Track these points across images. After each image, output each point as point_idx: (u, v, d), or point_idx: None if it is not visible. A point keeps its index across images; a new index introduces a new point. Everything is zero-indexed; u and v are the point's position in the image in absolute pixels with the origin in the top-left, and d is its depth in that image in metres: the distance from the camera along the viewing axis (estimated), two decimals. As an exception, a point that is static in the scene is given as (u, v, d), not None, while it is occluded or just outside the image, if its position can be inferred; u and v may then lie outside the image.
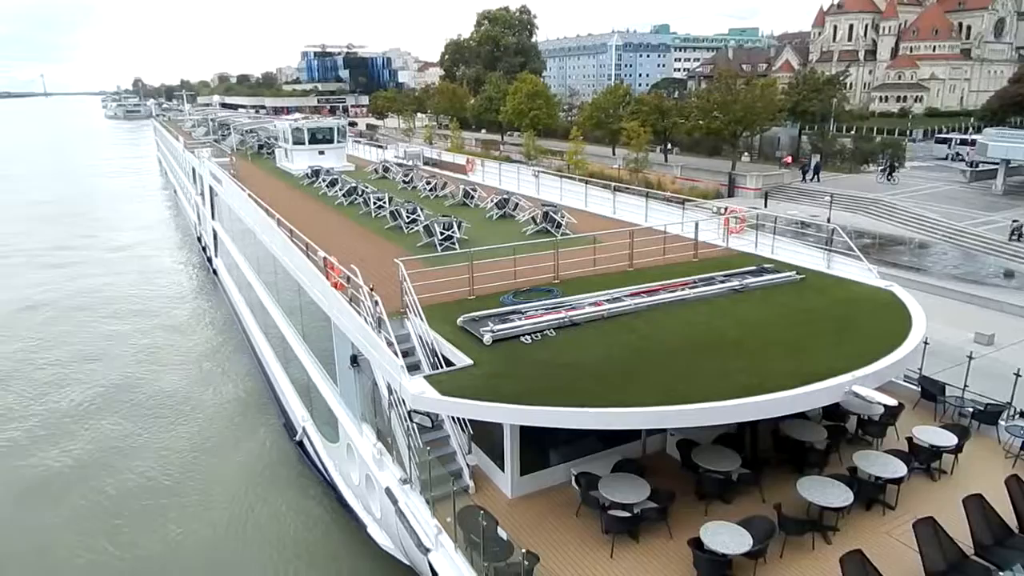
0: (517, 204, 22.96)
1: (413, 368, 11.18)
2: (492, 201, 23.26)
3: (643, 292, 13.72)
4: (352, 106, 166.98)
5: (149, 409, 21.43)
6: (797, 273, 15.10)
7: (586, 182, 25.86)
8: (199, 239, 40.74)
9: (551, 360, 10.87)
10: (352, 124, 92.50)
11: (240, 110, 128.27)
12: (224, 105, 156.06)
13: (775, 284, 14.65)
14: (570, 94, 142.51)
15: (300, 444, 17.82)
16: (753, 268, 15.50)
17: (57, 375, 24.11)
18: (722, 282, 14.38)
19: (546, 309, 12.79)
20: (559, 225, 19.64)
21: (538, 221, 20.18)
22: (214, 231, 33.30)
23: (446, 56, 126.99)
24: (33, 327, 29.15)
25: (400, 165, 34.61)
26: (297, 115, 44.43)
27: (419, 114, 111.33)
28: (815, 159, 55.19)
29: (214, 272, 34.50)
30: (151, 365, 24.83)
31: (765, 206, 43.94)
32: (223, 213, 30.49)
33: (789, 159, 57.13)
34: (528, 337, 11.60)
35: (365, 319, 11.87)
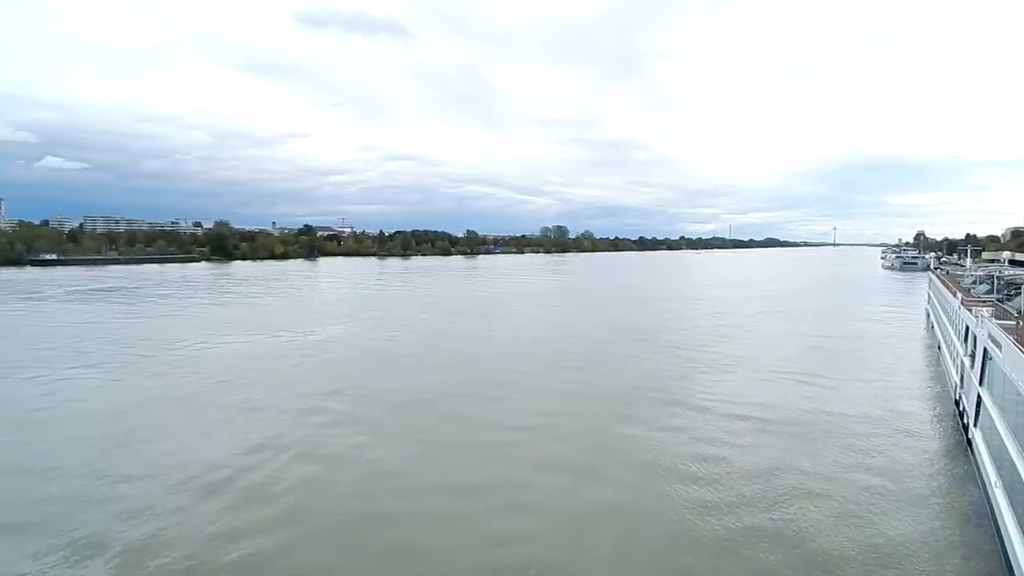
0: None
1: None
2: None
3: None
4: None
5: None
6: None
7: None
8: (956, 402, 37.22)
9: None
10: None
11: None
12: (1013, 262, 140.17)
13: None
14: None
15: None
16: None
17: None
18: None
19: None
20: None
21: None
22: (978, 397, 29.79)
23: None
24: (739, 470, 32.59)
25: None
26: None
27: None
28: None
29: (968, 442, 30.74)
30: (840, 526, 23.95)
31: None
32: (995, 380, 26.99)
33: None
34: None
35: None
